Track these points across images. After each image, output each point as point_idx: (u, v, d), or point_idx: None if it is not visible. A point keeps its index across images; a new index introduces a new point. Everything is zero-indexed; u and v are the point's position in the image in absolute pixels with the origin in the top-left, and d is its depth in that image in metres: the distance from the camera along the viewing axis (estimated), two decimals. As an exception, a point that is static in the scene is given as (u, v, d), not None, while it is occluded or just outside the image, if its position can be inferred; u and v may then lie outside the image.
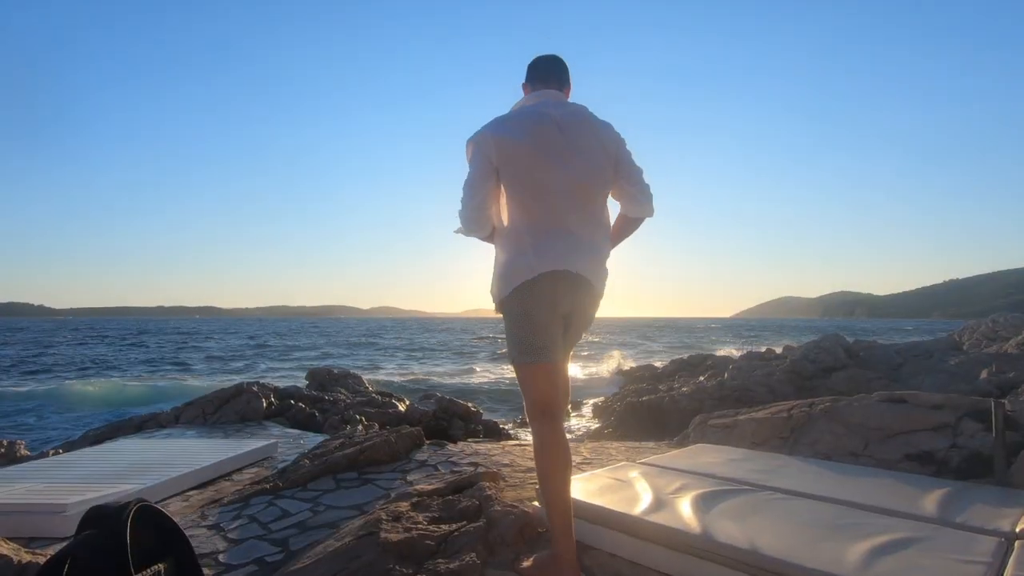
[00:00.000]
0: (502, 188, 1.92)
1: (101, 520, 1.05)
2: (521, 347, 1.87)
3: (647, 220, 2.10)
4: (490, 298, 1.99)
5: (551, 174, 1.87)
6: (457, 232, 2.07)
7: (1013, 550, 1.65)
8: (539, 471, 1.88)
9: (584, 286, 1.91)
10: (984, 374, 9.08)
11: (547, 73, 2.06)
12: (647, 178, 2.03)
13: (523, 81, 2.11)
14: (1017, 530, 1.78)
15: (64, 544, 1.02)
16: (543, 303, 1.85)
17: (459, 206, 1.97)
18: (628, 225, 2.10)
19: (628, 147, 2.02)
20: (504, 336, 1.96)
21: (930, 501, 2.08)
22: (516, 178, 1.89)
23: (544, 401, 1.88)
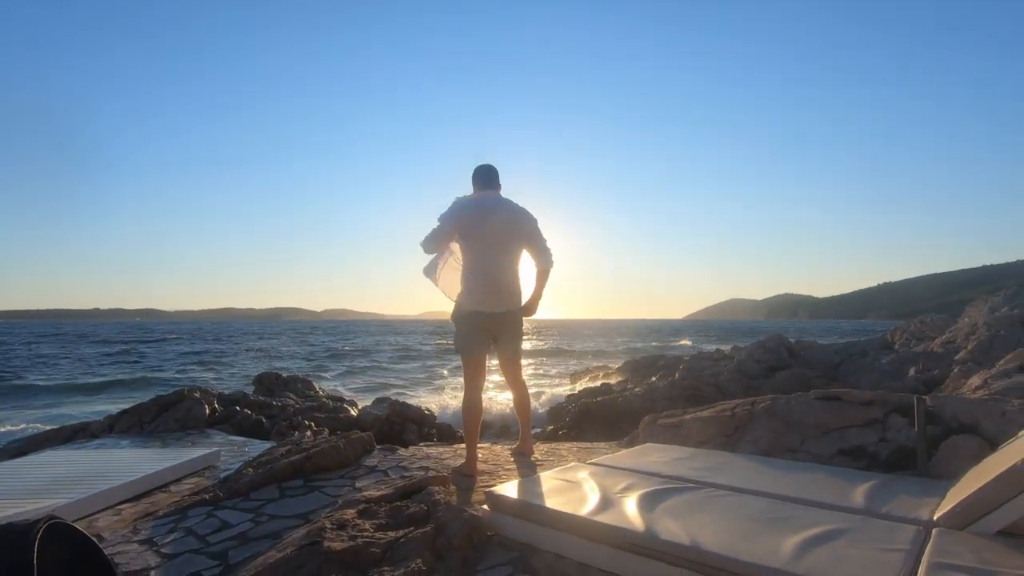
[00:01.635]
0: (458, 243, 3.32)
1: (6, 540, 0.97)
2: (460, 345, 3.34)
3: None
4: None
5: (481, 241, 3.26)
6: (423, 245, 3.37)
7: (930, 537, 1.76)
8: (463, 417, 3.33)
9: (499, 313, 3.28)
10: (912, 371, 9.67)
11: (488, 179, 3.41)
12: (550, 244, 3.46)
13: (472, 181, 3.44)
14: (935, 518, 1.90)
15: (-39, 568, 0.94)
16: (470, 323, 3.28)
17: (425, 236, 3.32)
18: (541, 276, 3.45)
19: (539, 224, 3.41)
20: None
21: (858, 493, 2.19)
22: (464, 240, 3.29)
23: (470, 378, 3.33)
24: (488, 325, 3.28)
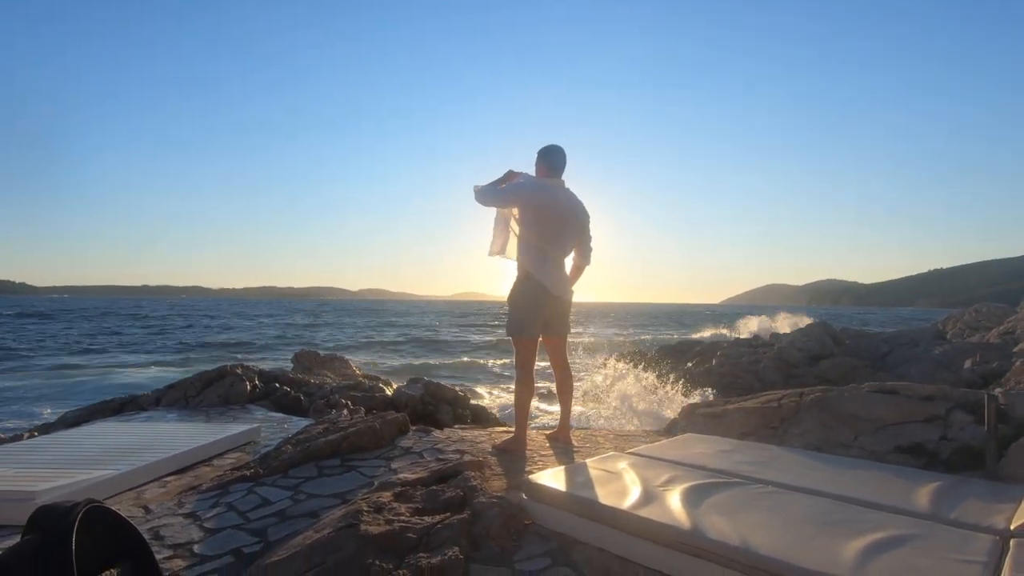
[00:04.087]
0: (523, 219, 3.29)
1: (46, 523, 0.95)
2: (515, 327, 3.33)
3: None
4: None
5: (554, 228, 3.26)
6: (478, 196, 3.36)
7: (1008, 549, 1.62)
8: (515, 396, 3.44)
9: (558, 299, 3.34)
10: (968, 363, 9.18)
11: (558, 165, 3.37)
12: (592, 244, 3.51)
13: (537, 161, 3.40)
14: (1012, 527, 1.75)
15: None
16: (529, 306, 3.29)
17: (484, 189, 3.33)
18: (578, 270, 3.51)
19: (590, 221, 3.46)
20: (507, 312, 3.39)
21: (922, 496, 2.04)
22: (537, 221, 3.23)
23: (524, 360, 3.36)
24: (547, 306, 3.30)
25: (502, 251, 3.51)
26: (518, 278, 3.35)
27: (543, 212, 3.25)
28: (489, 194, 3.34)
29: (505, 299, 3.45)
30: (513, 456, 3.20)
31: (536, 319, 3.31)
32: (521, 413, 3.37)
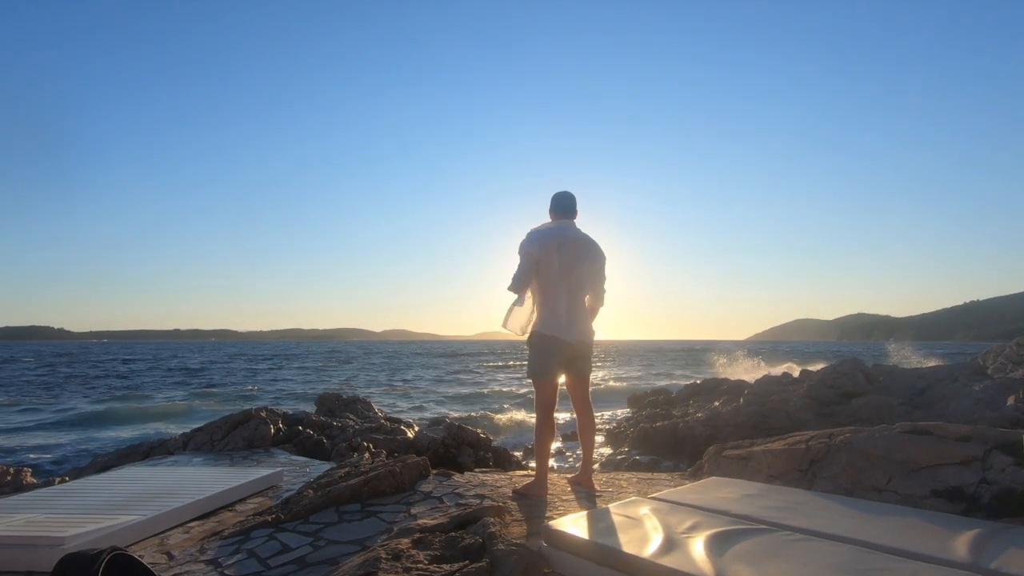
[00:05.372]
0: (538, 269, 3.31)
1: (72, 570, 0.99)
2: (534, 370, 3.37)
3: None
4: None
5: (561, 272, 3.29)
6: (512, 295, 3.39)
7: (1055, 602, 1.53)
8: (535, 439, 3.39)
9: (574, 343, 3.33)
10: (1011, 400, 8.77)
11: (566, 208, 3.47)
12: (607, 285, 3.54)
13: (549, 209, 3.50)
14: (1058, 579, 1.66)
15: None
16: (546, 350, 3.33)
17: (512, 281, 3.34)
18: (592, 312, 3.50)
19: (606, 263, 3.48)
20: (526, 357, 3.44)
21: (961, 543, 1.95)
22: (543, 271, 3.30)
23: (542, 401, 3.35)
24: (564, 351, 3.33)
25: (521, 330, 3.45)
26: (535, 323, 3.38)
27: (555, 256, 3.29)
28: (516, 278, 3.34)
29: (526, 339, 3.46)
30: (534, 500, 3.16)
31: (555, 362, 3.34)
32: (541, 456, 3.34)
